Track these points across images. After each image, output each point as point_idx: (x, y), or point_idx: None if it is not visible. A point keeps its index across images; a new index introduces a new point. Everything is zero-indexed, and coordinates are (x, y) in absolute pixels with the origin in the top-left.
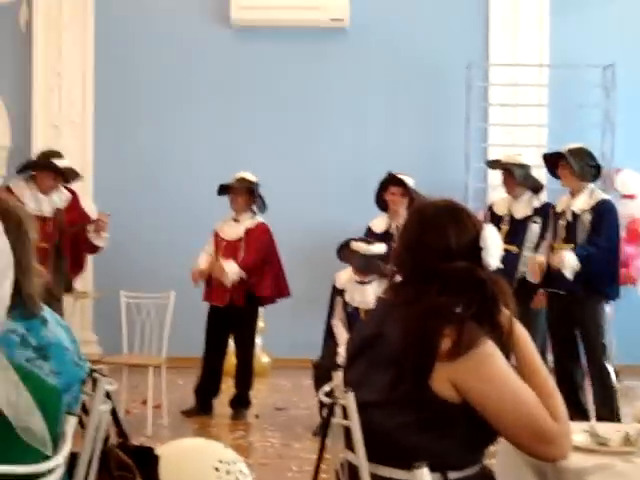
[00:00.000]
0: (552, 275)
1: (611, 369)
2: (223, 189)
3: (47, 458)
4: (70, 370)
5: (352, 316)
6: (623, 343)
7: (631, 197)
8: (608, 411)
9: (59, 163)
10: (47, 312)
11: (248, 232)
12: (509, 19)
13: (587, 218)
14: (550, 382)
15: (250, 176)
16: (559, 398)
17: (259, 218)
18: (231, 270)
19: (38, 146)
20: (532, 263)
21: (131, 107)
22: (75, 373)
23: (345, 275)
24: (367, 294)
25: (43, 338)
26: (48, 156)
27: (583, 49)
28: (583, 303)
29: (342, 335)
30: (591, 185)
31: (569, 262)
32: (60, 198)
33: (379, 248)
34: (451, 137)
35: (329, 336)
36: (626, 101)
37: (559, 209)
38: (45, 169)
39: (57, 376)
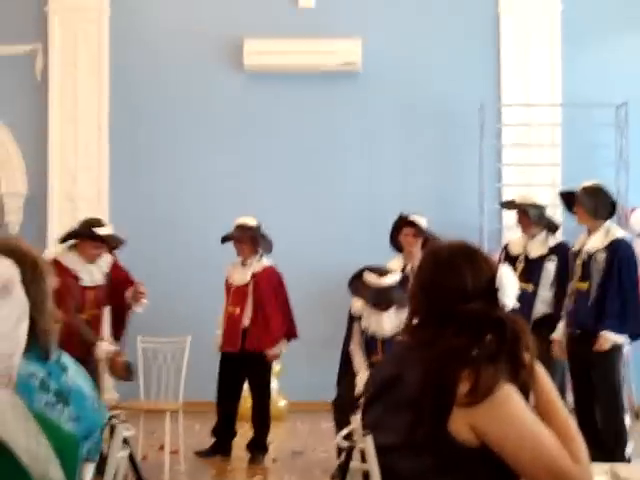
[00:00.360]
0: (570, 314)
1: (626, 409)
2: (226, 238)
3: None
4: (90, 416)
5: (369, 343)
6: None
7: None
8: (619, 453)
9: (101, 231)
10: (66, 359)
11: (255, 276)
12: (521, 59)
13: (601, 257)
14: (570, 423)
15: (249, 220)
16: (579, 440)
17: (266, 261)
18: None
19: (54, 193)
20: (555, 347)
21: (146, 154)
22: (95, 419)
23: (360, 301)
24: (383, 321)
25: (63, 384)
26: (90, 225)
27: (595, 88)
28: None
29: (360, 361)
30: (607, 223)
31: (613, 340)
32: (105, 262)
33: (392, 279)
34: (465, 178)
35: (345, 363)
36: (639, 139)
37: (576, 248)
38: (88, 238)
39: (77, 422)
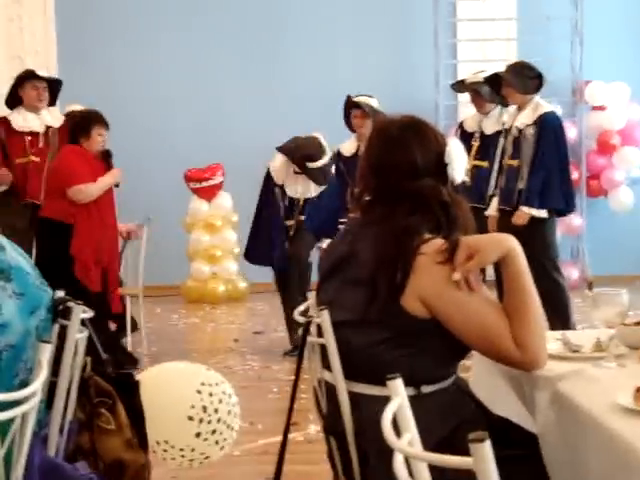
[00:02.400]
0: (503, 191)
1: (564, 284)
2: None
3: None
4: (34, 292)
5: (289, 207)
6: (596, 255)
7: (601, 109)
8: (564, 325)
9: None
10: (3, 240)
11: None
12: None
13: (530, 132)
14: (528, 309)
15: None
16: (532, 327)
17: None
18: None
19: (3, 78)
20: (489, 223)
21: (94, 33)
22: (40, 296)
23: (281, 168)
24: (308, 184)
25: (3, 262)
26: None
27: None
28: (531, 220)
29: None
30: (536, 99)
31: (530, 215)
32: (53, 116)
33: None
34: (420, 54)
35: (275, 230)
36: (595, 12)
37: (507, 125)
38: (26, 79)
39: (21, 297)
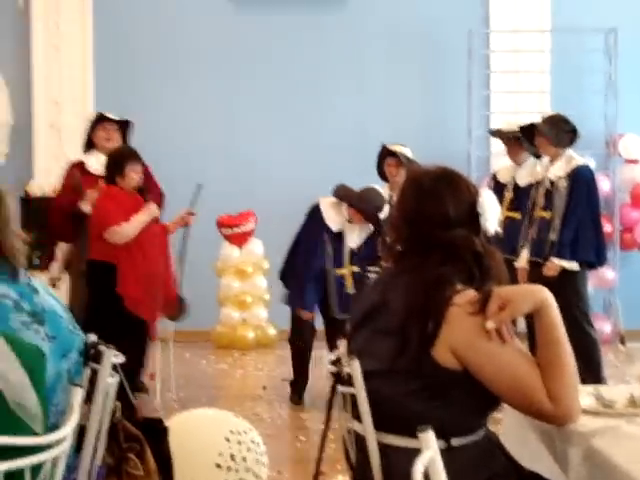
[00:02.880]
0: (534, 242)
1: (596, 337)
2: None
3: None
4: (66, 336)
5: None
6: (628, 308)
7: (635, 162)
8: (595, 380)
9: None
10: (37, 283)
11: None
12: None
13: (563, 185)
14: (563, 361)
15: None
16: (567, 381)
17: None
18: None
19: (40, 123)
20: (519, 275)
21: (132, 83)
22: (71, 339)
23: (336, 215)
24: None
25: (37, 304)
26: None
27: (585, 13)
28: (562, 272)
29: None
30: (569, 151)
31: (560, 267)
32: None
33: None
34: (453, 105)
35: (318, 280)
36: (629, 65)
37: (538, 177)
38: (97, 122)
39: (53, 340)
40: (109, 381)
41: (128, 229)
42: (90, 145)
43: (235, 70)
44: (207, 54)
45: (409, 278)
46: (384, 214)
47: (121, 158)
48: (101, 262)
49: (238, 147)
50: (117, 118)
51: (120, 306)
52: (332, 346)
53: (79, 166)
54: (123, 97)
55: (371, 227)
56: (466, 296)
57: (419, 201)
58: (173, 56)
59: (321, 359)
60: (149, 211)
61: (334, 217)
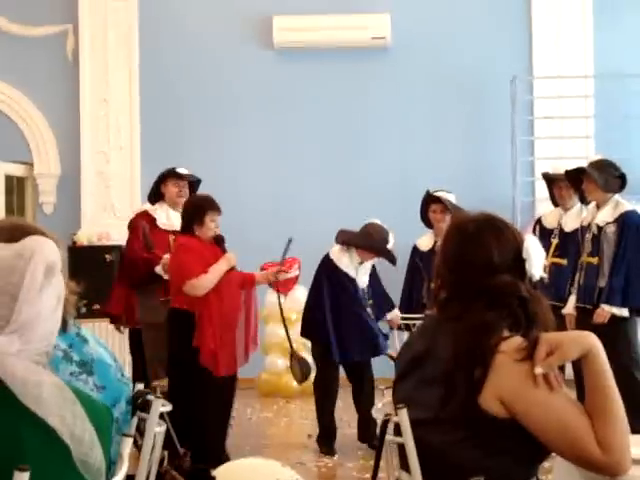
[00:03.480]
0: (581, 288)
1: None
2: None
3: None
4: (115, 385)
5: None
6: None
7: None
8: None
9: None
10: (85, 331)
11: None
12: (552, 31)
13: (611, 230)
14: (613, 409)
15: None
16: (618, 428)
17: None
18: None
19: (87, 173)
20: (567, 322)
21: (177, 132)
22: (120, 389)
23: (349, 261)
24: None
25: (86, 355)
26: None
27: (628, 58)
28: (611, 318)
29: None
30: (616, 197)
31: (611, 313)
32: None
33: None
34: (497, 151)
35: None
36: None
37: (585, 222)
38: (168, 177)
39: (102, 391)
40: (156, 430)
41: (206, 281)
42: (157, 197)
43: (280, 120)
44: (251, 103)
45: (455, 325)
46: (391, 245)
47: (201, 207)
48: (181, 311)
49: (283, 195)
50: (189, 174)
51: (197, 361)
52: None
53: (145, 217)
54: (169, 146)
55: (368, 266)
56: (513, 343)
57: (463, 247)
58: (217, 105)
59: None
60: (227, 260)
61: (347, 263)
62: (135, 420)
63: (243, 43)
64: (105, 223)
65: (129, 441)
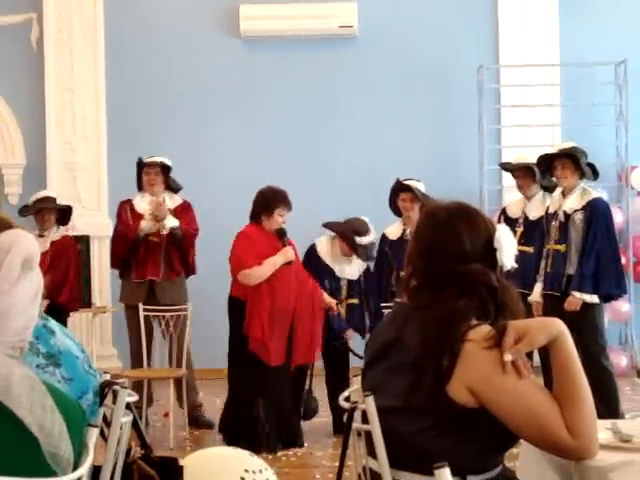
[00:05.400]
0: (548, 275)
1: (613, 370)
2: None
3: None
4: (82, 377)
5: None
6: None
7: None
8: (612, 413)
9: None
10: (53, 324)
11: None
12: (518, 20)
13: (579, 217)
14: (581, 395)
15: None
16: (586, 413)
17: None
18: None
19: (53, 163)
20: (534, 309)
21: (144, 121)
22: (87, 380)
23: (328, 248)
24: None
25: (52, 346)
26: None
27: (594, 47)
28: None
29: None
30: (582, 184)
31: (581, 300)
32: (171, 199)
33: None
34: (465, 139)
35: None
36: (639, 97)
37: (552, 210)
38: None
39: (69, 382)
40: (123, 420)
41: (260, 272)
42: (140, 187)
43: (248, 108)
44: (219, 93)
45: (424, 313)
46: (368, 239)
47: (272, 200)
48: (238, 299)
49: (251, 184)
50: (157, 161)
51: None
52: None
53: (127, 203)
54: (135, 136)
55: (357, 260)
56: (481, 331)
57: (435, 235)
58: (185, 95)
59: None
60: (284, 254)
61: (326, 252)
62: (102, 410)
63: (210, 32)
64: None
65: (95, 431)
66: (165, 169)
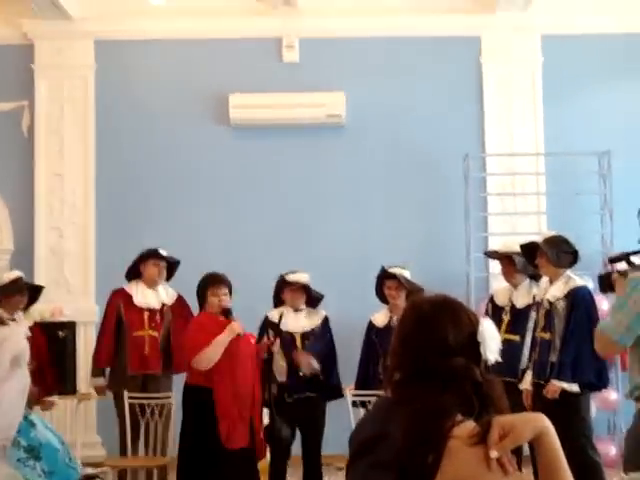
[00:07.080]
0: (536, 364)
1: (600, 461)
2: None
3: None
4: (63, 470)
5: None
6: None
7: None
8: None
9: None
10: (35, 416)
11: None
12: (503, 110)
13: (562, 305)
14: None
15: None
16: None
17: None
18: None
19: (41, 249)
20: (524, 397)
21: (133, 208)
22: (68, 474)
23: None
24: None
25: (33, 439)
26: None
27: (578, 137)
28: (564, 394)
29: None
30: (567, 272)
31: (560, 389)
32: (168, 294)
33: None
34: (451, 227)
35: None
36: (623, 187)
37: (538, 298)
38: (148, 257)
39: (49, 476)
40: None
41: (210, 354)
42: (135, 275)
43: (234, 196)
44: (208, 179)
45: (407, 408)
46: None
47: (203, 284)
48: (196, 386)
49: (239, 272)
50: (168, 256)
51: (215, 434)
52: None
53: (121, 294)
54: (124, 222)
55: (321, 317)
56: (466, 428)
57: (419, 327)
58: (173, 181)
59: None
60: (229, 330)
61: (274, 313)
62: None
63: (199, 120)
64: (58, 299)
65: None
66: (172, 266)
